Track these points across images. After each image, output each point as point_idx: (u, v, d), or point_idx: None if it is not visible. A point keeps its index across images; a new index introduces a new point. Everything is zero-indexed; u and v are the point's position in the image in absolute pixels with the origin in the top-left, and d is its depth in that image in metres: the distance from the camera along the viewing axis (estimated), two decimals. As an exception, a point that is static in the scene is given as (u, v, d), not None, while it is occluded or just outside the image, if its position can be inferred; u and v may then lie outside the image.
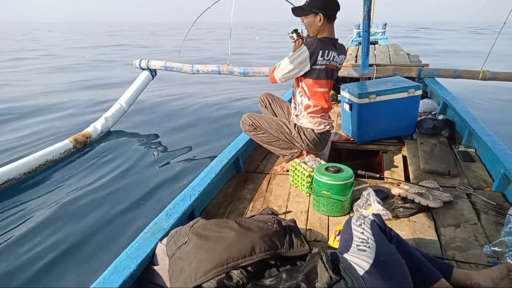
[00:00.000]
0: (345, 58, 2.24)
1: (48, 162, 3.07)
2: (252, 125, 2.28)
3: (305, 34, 2.30)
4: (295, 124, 2.24)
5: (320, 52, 2.00)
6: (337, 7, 2.06)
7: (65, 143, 3.27)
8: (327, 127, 2.27)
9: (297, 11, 2.11)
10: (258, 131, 2.29)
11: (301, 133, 2.22)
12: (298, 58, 2.02)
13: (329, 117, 2.33)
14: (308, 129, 2.22)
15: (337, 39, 2.13)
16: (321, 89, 2.14)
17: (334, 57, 2.09)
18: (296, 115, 2.26)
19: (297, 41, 2.29)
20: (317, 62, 2.03)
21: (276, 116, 2.50)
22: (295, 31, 2.28)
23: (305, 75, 2.10)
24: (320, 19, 2.02)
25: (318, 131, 2.23)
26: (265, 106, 2.53)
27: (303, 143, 2.24)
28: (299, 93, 2.20)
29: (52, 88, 7.99)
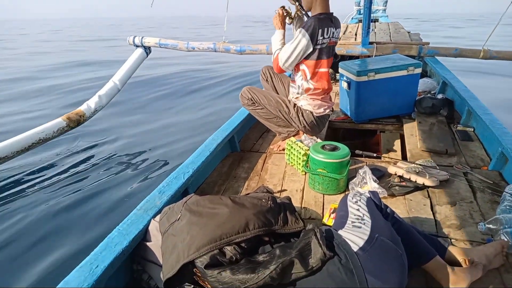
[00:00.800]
0: (339, 30, 2.17)
1: (41, 141, 3.01)
2: (251, 100, 2.23)
3: (293, 11, 2.23)
4: (294, 104, 2.20)
5: (320, 31, 1.95)
6: None
7: (58, 121, 3.20)
8: (327, 111, 2.23)
9: None
10: (257, 106, 2.25)
11: (300, 115, 2.18)
12: (300, 44, 1.96)
13: (330, 99, 2.28)
14: (307, 111, 2.18)
15: (332, 13, 2.05)
16: (322, 69, 2.09)
17: (333, 33, 2.05)
18: (296, 97, 2.22)
19: (290, 18, 2.21)
20: (318, 41, 1.97)
21: (277, 90, 2.46)
22: (283, 8, 2.18)
23: (306, 57, 2.03)
24: None
25: (317, 114, 2.19)
26: (266, 80, 2.48)
27: (301, 124, 2.20)
28: (300, 76, 2.14)
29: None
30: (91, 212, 2.62)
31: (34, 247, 2.24)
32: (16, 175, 3.24)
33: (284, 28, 2.17)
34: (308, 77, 2.09)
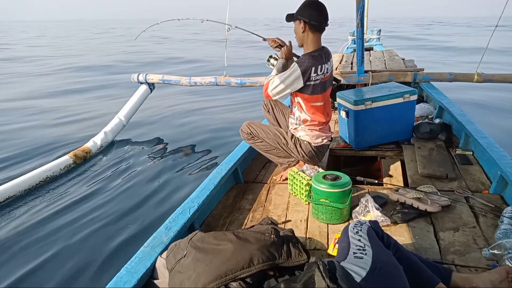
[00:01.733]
0: (331, 61, 2.23)
1: (48, 178, 3.09)
2: (250, 134, 2.31)
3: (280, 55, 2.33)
4: (292, 135, 2.25)
5: (313, 69, 2.00)
6: (322, 19, 2.02)
7: (65, 159, 3.29)
8: (325, 141, 2.26)
9: (288, 16, 2.12)
10: (256, 140, 2.31)
11: (297, 145, 2.23)
12: (290, 77, 2.01)
13: (329, 129, 2.32)
14: (305, 142, 2.22)
15: (323, 48, 2.11)
16: (318, 103, 2.14)
17: (327, 69, 2.10)
18: (295, 128, 2.28)
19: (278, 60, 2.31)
20: (311, 78, 2.03)
21: (278, 121, 2.51)
22: (270, 57, 2.32)
23: (300, 91, 2.09)
24: (303, 27, 2.02)
25: (315, 144, 2.22)
26: (268, 111, 2.55)
27: (299, 154, 2.25)
28: (296, 108, 2.20)
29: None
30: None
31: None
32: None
33: (288, 58, 2.24)
34: (304, 109, 2.15)
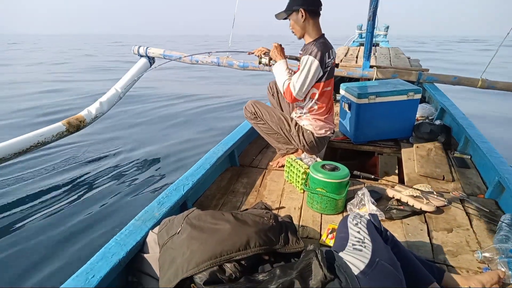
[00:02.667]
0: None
1: (39, 144, 3.00)
2: (254, 114, 2.26)
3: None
4: (296, 122, 2.23)
5: (326, 54, 2.01)
6: (317, 3, 2.02)
7: (58, 126, 3.19)
8: (328, 132, 2.26)
9: (279, 14, 2.08)
10: (259, 121, 2.28)
11: (300, 133, 2.21)
12: (311, 71, 1.98)
13: (333, 121, 2.31)
14: (308, 131, 2.21)
15: (323, 34, 2.10)
16: (328, 88, 2.15)
17: (334, 54, 2.12)
18: (299, 116, 2.25)
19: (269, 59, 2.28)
20: (326, 64, 2.03)
21: (281, 106, 2.48)
22: (260, 57, 2.29)
23: (317, 80, 2.08)
24: (302, 15, 1.99)
25: (318, 135, 2.22)
26: (272, 94, 2.51)
27: (300, 143, 2.23)
28: (309, 99, 2.17)
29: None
30: (89, 219, 2.59)
31: (30, 255, 2.21)
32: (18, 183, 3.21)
33: (285, 57, 2.18)
34: (316, 98, 2.13)
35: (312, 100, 2.16)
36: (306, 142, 2.22)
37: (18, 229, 2.46)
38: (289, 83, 2.05)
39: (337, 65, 2.44)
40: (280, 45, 2.18)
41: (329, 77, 2.11)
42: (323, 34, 2.09)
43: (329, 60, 2.04)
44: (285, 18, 2.09)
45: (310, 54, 1.98)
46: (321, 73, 2.03)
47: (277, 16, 2.10)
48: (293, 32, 2.11)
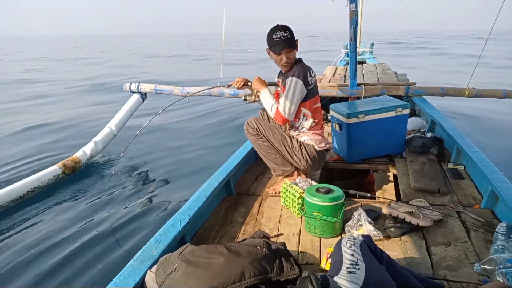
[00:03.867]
0: None
1: (36, 189, 3.03)
2: (256, 130, 2.29)
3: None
4: (297, 139, 2.29)
5: (308, 73, 2.13)
6: None
7: (54, 169, 3.23)
8: (327, 146, 2.35)
9: (292, 43, 2.11)
10: (260, 138, 2.30)
11: (302, 148, 2.26)
12: (296, 91, 2.09)
13: (325, 136, 2.40)
14: (310, 145, 2.27)
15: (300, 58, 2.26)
16: (317, 105, 2.28)
17: (314, 73, 2.26)
18: (297, 134, 2.32)
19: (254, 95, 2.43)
20: (309, 83, 2.14)
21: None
22: (245, 96, 2.44)
23: (304, 99, 2.18)
24: (297, 49, 2.17)
25: (319, 148, 2.29)
26: (264, 120, 2.55)
27: (303, 158, 2.26)
28: (301, 119, 2.28)
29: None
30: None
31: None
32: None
33: (266, 86, 2.31)
34: (310, 116, 2.24)
35: (307, 119, 2.27)
36: (309, 156, 2.25)
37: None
38: (277, 107, 2.15)
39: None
40: (259, 77, 2.34)
41: (315, 94, 2.23)
42: (300, 58, 2.25)
43: (311, 78, 2.17)
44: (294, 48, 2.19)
45: (293, 76, 2.09)
46: (305, 92, 2.13)
47: (290, 43, 2.11)
48: (286, 64, 2.17)
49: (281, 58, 2.13)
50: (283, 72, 2.27)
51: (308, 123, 2.26)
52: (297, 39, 2.15)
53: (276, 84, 2.46)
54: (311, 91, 2.17)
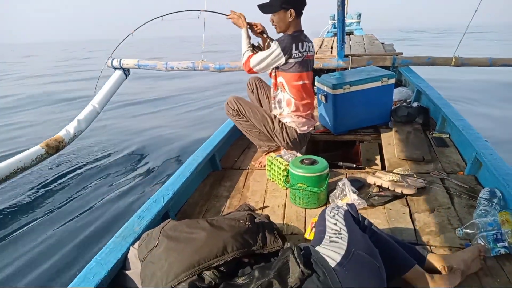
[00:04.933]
0: (313, 43, 2.26)
1: (19, 170, 2.94)
2: (237, 111, 2.25)
3: (261, 43, 2.35)
4: (279, 120, 2.24)
5: (294, 46, 2.03)
6: (305, 3, 2.09)
7: (37, 149, 3.13)
8: (310, 129, 2.30)
9: (266, 7, 2.08)
10: (241, 118, 2.27)
11: (284, 131, 2.21)
12: (272, 55, 2.04)
13: (313, 117, 2.34)
14: (291, 128, 2.22)
15: (303, 30, 2.15)
16: (301, 82, 2.15)
17: (309, 47, 2.14)
18: (280, 113, 2.25)
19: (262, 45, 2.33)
20: (293, 55, 2.04)
21: (261, 103, 2.49)
22: (253, 46, 2.28)
23: (283, 69, 2.10)
24: (291, 14, 2.03)
25: (301, 132, 2.24)
26: (252, 91, 2.51)
27: (283, 140, 2.23)
28: (279, 90, 2.20)
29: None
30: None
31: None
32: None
33: (246, 26, 2.23)
34: (287, 89, 2.16)
35: (282, 93, 2.19)
36: (289, 139, 2.22)
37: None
38: (249, 56, 2.14)
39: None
40: (242, 14, 2.25)
41: (299, 70, 2.11)
42: (302, 30, 2.13)
43: (299, 52, 2.06)
44: (271, 13, 2.10)
45: (277, 41, 2.04)
46: (282, 61, 2.05)
47: (263, 9, 2.09)
48: (274, 26, 2.13)
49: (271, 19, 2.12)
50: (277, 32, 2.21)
51: (286, 97, 2.19)
52: (286, 7, 2.02)
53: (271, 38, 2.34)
54: (294, 64, 2.07)
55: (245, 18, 2.24)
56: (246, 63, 2.16)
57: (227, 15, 2.31)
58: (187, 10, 3.06)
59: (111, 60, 4.19)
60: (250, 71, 2.17)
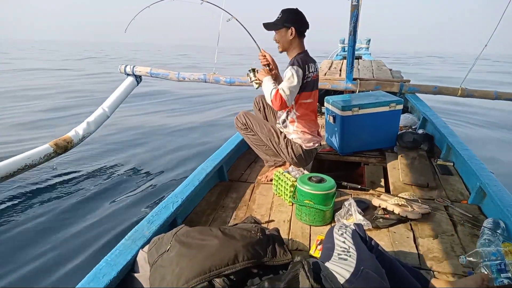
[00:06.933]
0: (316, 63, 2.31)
1: (27, 167, 2.97)
2: (245, 124, 2.31)
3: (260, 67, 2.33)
4: (285, 136, 2.28)
5: (307, 66, 2.09)
6: (307, 25, 2.14)
7: (46, 147, 3.18)
8: (316, 145, 2.33)
9: (270, 25, 2.15)
10: (249, 132, 2.33)
11: (289, 147, 2.25)
12: (296, 79, 2.01)
13: (319, 134, 2.38)
14: (297, 144, 2.26)
15: (306, 50, 2.20)
16: (309, 100, 2.21)
17: (315, 68, 2.21)
18: (287, 131, 2.30)
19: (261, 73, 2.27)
20: (306, 75, 2.10)
21: (268, 120, 2.53)
22: (253, 70, 2.25)
23: None
24: (292, 33, 2.09)
25: (306, 148, 2.27)
26: (259, 109, 2.56)
27: (288, 156, 2.27)
28: (287, 111, 2.25)
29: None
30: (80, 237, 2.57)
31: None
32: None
33: (270, 73, 2.23)
34: (294, 107, 2.19)
35: (289, 112, 2.23)
36: (294, 155, 2.26)
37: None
38: (277, 90, 2.02)
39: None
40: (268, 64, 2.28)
41: (309, 89, 2.17)
42: (306, 50, 2.19)
43: (309, 72, 2.12)
44: (274, 30, 2.16)
45: (292, 65, 2.06)
46: (301, 83, 2.08)
47: (267, 27, 2.16)
48: (277, 43, 2.18)
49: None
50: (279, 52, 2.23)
51: (291, 116, 2.22)
52: (287, 26, 2.07)
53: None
54: (305, 84, 2.11)
55: (268, 71, 2.24)
56: (275, 99, 2.01)
57: (260, 54, 2.30)
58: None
59: (124, 66, 4.28)
60: (283, 105, 2.02)
